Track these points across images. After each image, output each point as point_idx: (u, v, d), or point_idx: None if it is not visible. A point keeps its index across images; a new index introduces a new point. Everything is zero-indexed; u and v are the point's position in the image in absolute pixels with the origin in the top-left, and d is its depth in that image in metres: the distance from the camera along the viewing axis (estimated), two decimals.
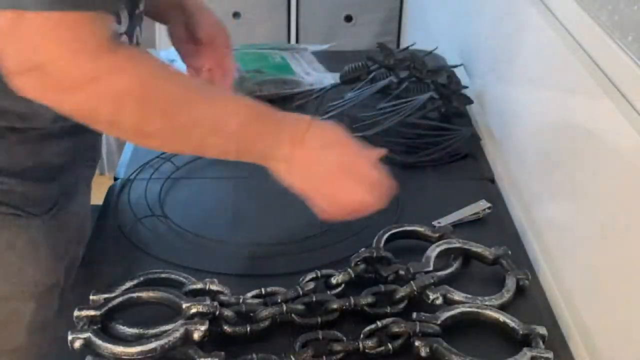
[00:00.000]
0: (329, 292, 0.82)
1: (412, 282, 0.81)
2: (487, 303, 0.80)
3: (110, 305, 0.75)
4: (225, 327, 0.76)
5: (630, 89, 0.71)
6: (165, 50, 1.37)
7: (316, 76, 1.33)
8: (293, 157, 0.77)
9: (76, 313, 0.74)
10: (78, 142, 0.90)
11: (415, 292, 0.81)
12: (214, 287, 0.79)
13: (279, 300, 0.79)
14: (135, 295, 0.77)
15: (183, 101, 0.73)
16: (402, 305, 0.81)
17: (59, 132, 0.86)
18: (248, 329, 0.77)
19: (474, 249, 0.88)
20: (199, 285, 0.79)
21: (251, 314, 0.78)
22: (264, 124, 0.79)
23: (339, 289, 0.83)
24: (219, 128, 0.76)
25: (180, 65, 1.29)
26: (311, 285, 0.81)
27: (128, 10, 0.81)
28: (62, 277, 0.91)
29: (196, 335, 0.72)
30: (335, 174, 0.79)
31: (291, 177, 0.78)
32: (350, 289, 0.83)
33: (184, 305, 0.74)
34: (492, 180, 1.09)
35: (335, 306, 0.79)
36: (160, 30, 2.15)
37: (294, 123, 0.80)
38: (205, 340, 0.73)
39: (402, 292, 0.81)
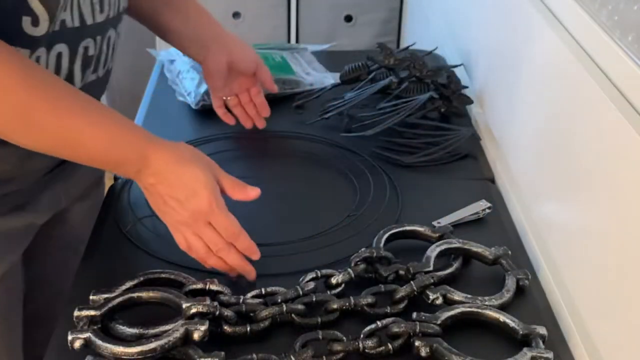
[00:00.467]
0: (329, 292, 0.82)
1: (412, 282, 0.81)
2: (487, 303, 0.80)
3: (110, 305, 0.75)
4: (226, 327, 0.77)
5: (630, 89, 0.71)
6: (165, 50, 1.37)
7: (316, 76, 1.33)
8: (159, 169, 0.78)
9: (76, 313, 0.74)
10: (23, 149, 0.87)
11: (415, 292, 0.81)
12: (214, 287, 0.79)
13: (279, 300, 0.79)
14: (135, 295, 0.77)
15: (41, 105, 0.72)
16: (402, 305, 0.81)
17: None
18: (248, 329, 0.77)
19: (474, 249, 0.88)
20: (199, 286, 0.79)
21: (251, 314, 0.78)
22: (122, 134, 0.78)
23: (339, 289, 0.83)
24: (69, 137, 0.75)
25: (180, 66, 1.30)
26: (311, 285, 0.81)
27: (49, 17, 0.76)
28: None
29: (196, 335, 0.72)
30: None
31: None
32: (350, 289, 0.83)
33: (184, 305, 0.74)
34: (492, 180, 1.09)
35: (335, 306, 0.79)
36: None
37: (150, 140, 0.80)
38: (205, 340, 0.73)
39: (402, 292, 0.81)
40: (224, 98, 1.14)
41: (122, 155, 0.78)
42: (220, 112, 1.15)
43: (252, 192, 0.84)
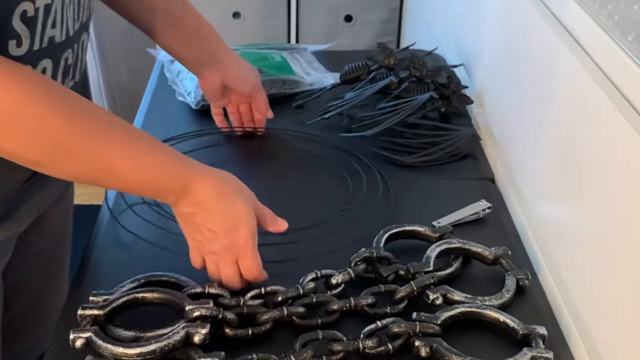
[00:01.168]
0: (329, 292, 0.82)
1: (412, 282, 0.81)
2: (487, 303, 0.80)
3: (114, 305, 0.75)
4: (227, 330, 0.77)
5: (630, 89, 0.71)
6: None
7: (316, 76, 1.33)
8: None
9: (80, 312, 0.74)
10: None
11: (415, 292, 0.81)
12: (213, 291, 0.79)
13: (279, 300, 0.79)
14: (140, 295, 0.77)
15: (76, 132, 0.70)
16: (402, 305, 0.81)
17: None
18: (249, 332, 0.77)
19: (474, 249, 0.88)
20: (199, 289, 0.79)
21: (252, 317, 0.78)
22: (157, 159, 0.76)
23: (339, 289, 0.83)
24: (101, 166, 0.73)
25: (180, 66, 1.30)
26: (311, 285, 0.81)
27: (30, 35, 0.74)
28: None
29: (197, 339, 0.72)
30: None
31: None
32: (350, 289, 0.83)
33: (187, 308, 0.74)
34: (492, 180, 1.09)
35: (335, 307, 0.79)
36: None
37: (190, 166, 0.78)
38: (206, 343, 0.73)
39: (402, 292, 0.81)
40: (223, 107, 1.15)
41: (163, 184, 0.76)
42: (217, 119, 1.16)
43: (283, 226, 0.84)
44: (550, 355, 0.73)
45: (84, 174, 0.73)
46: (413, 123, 1.14)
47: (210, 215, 0.77)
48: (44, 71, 0.76)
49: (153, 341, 0.71)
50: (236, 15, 2.17)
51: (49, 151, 0.70)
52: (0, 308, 0.90)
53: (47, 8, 0.73)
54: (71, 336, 0.71)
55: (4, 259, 0.88)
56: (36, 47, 0.73)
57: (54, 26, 0.75)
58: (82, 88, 0.89)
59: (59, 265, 1.05)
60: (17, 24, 0.70)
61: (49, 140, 0.69)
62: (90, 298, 0.78)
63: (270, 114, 1.15)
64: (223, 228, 0.78)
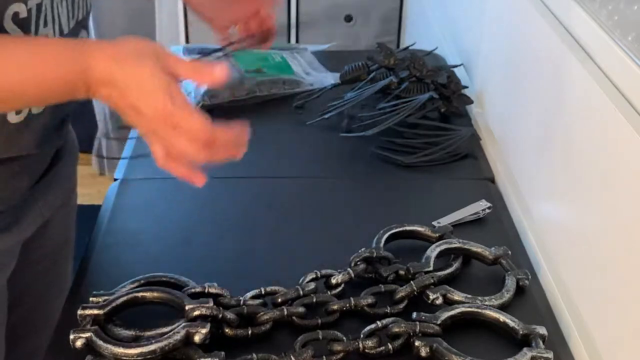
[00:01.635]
0: (328, 292, 0.82)
1: (412, 282, 0.81)
2: (487, 303, 0.80)
3: (114, 304, 0.75)
4: (227, 330, 0.76)
5: (630, 89, 0.71)
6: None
7: (316, 76, 1.33)
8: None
9: (80, 312, 0.74)
10: (2, 171, 0.81)
11: (415, 292, 0.81)
12: (213, 290, 0.79)
13: (279, 300, 0.79)
14: (140, 294, 0.77)
15: None
16: (402, 305, 0.81)
17: None
18: (249, 332, 0.77)
19: (473, 249, 0.88)
20: (198, 289, 0.79)
21: (252, 317, 0.78)
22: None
23: (339, 289, 0.83)
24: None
25: None
26: (311, 285, 0.81)
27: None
28: None
29: (197, 338, 0.72)
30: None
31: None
32: (350, 289, 0.83)
33: (188, 307, 0.74)
34: (492, 180, 1.09)
35: (335, 307, 0.79)
36: (161, 29, 2.15)
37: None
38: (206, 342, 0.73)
39: (402, 292, 0.81)
40: (229, 31, 1.00)
41: (63, 73, 0.69)
42: (220, 35, 1.00)
43: (218, 70, 0.70)
44: (550, 355, 0.73)
45: None
46: (413, 123, 1.14)
47: (118, 89, 0.69)
48: None
49: (153, 341, 0.71)
50: None
51: None
52: (4, 315, 0.90)
53: (39, 7, 0.73)
54: (71, 336, 0.71)
55: (9, 266, 0.88)
56: None
57: (45, 25, 0.75)
58: None
59: (61, 269, 1.05)
60: (9, 26, 0.70)
61: None
62: (90, 298, 0.77)
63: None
64: (135, 96, 0.68)
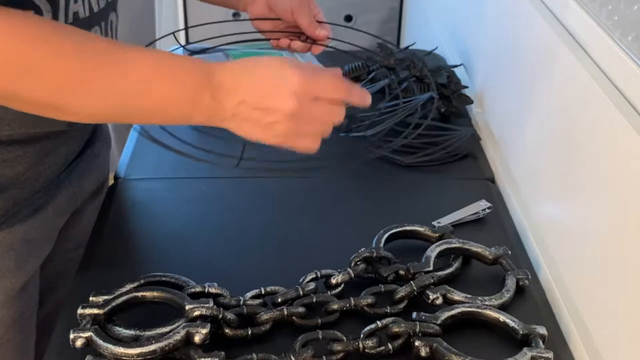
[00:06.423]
0: (328, 292, 0.82)
1: (412, 282, 0.81)
2: (487, 303, 0.80)
3: (114, 303, 0.75)
4: (227, 330, 0.76)
5: (630, 89, 0.71)
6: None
7: None
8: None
9: (80, 311, 0.74)
10: (37, 149, 0.83)
11: (415, 292, 0.81)
12: (213, 290, 0.79)
13: (279, 301, 0.79)
14: (139, 294, 0.77)
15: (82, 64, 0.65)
16: (402, 305, 0.81)
17: (6, 139, 0.79)
18: (249, 332, 0.77)
19: (473, 248, 0.88)
20: (198, 289, 0.79)
21: (252, 317, 0.78)
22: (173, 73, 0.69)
23: (339, 289, 0.83)
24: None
25: None
26: (311, 285, 0.81)
27: (52, 9, 0.73)
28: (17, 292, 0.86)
29: (197, 338, 0.72)
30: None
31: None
32: (350, 289, 0.83)
33: (188, 307, 0.74)
34: (492, 180, 1.09)
35: (335, 307, 0.79)
36: (161, 29, 2.15)
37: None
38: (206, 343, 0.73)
39: (402, 292, 0.81)
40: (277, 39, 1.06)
41: (189, 83, 0.69)
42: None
43: (362, 92, 0.74)
44: (550, 355, 0.73)
45: (103, 104, 0.68)
46: (413, 123, 1.14)
47: (245, 89, 0.68)
48: None
49: (154, 341, 0.71)
50: (236, 15, 2.17)
51: (64, 85, 0.66)
52: (36, 302, 0.91)
53: None
54: (71, 336, 0.71)
55: (44, 252, 0.89)
56: (61, 22, 0.74)
57: (76, 1, 0.76)
58: None
59: None
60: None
61: (59, 76, 0.65)
62: (90, 298, 0.77)
63: (322, 33, 1.02)
64: (266, 91, 0.68)
